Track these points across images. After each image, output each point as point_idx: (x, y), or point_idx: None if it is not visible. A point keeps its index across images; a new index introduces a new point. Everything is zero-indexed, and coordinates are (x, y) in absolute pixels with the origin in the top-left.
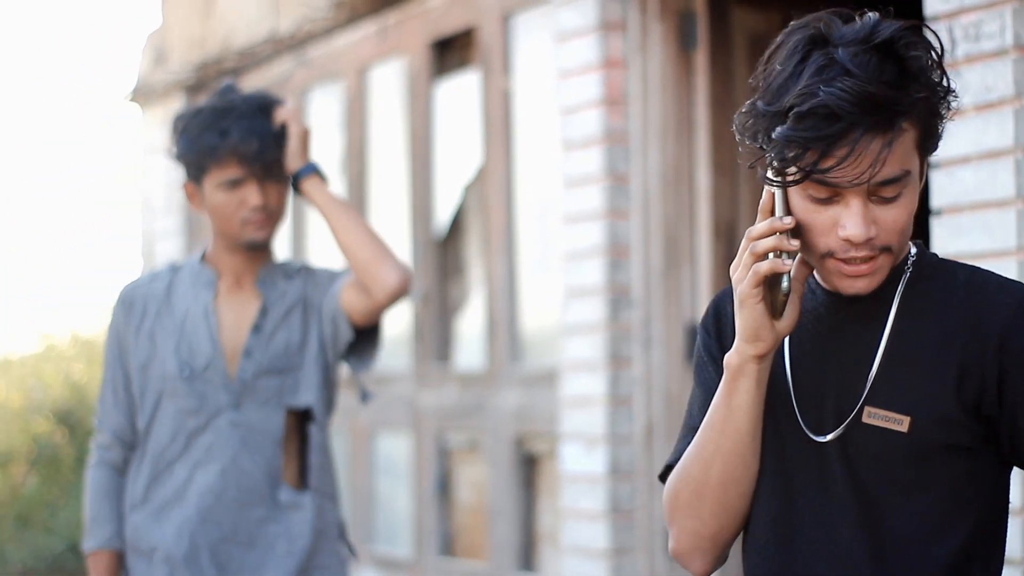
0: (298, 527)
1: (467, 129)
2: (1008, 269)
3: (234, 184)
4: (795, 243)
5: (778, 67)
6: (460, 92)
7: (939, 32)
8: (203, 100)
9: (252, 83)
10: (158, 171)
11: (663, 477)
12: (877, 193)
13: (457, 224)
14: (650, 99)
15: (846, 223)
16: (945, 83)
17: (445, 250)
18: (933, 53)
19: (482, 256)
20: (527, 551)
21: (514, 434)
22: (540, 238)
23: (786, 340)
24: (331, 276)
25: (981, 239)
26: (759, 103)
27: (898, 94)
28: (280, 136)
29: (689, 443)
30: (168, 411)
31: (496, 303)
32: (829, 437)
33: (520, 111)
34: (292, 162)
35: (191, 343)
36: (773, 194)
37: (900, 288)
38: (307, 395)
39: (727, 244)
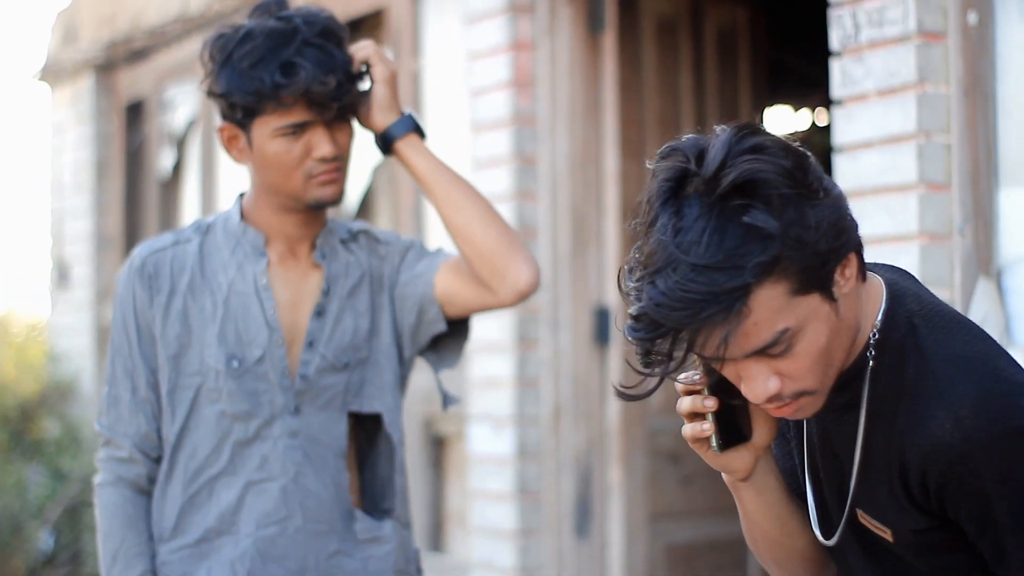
0: (377, 564)
1: None
2: (910, 252)
3: (297, 129)
4: (710, 403)
5: (639, 219)
6: None
7: (843, 18)
8: (246, 20)
9: (162, 63)
10: (67, 150)
11: None
12: (766, 354)
13: (366, 204)
14: (558, 81)
15: (745, 386)
16: (813, 221)
17: None
18: (798, 183)
19: None
20: (435, 531)
21: (422, 415)
22: None
23: (804, 435)
24: (406, 248)
25: (884, 223)
26: (625, 271)
27: (731, 278)
28: (356, 73)
29: None
30: (207, 415)
31: None
32: (831, 542)
33: (429, 92)
34: (380, 116)
35: (239, 327)
36: None
37: (866, 384)
38: (377, 398)
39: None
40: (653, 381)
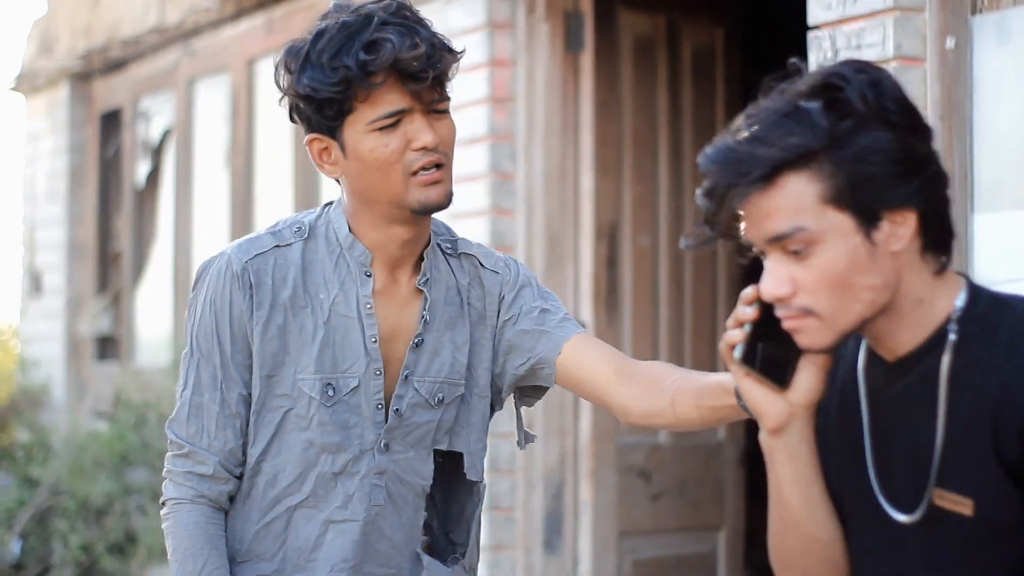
0: None
1: None
2: None
3: (394, 119)
4: (749, 311)
5: None
6: None
7: (821, 40)
8: (314, 26)
9: (138, 73)
10: (41, 158)
11: None
12: (784, 248)
13: None
14: (536, 99)
15: (763, 279)
16: (869, 141)
17: None
18: (862, 105)
19: None
20: None
21: None
22: None
23: (864, 413)
24: (520, 284)
25: None
26: None
27: (767, 150)
28: (442, 47)
29: None
30: (292, 442)
31: None
32: (909, 518)
33: None
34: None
35: (337, 353)
36: None
37: (947, 358)
38: (463, 438)
39: (609, 244)
40: (705, 236)
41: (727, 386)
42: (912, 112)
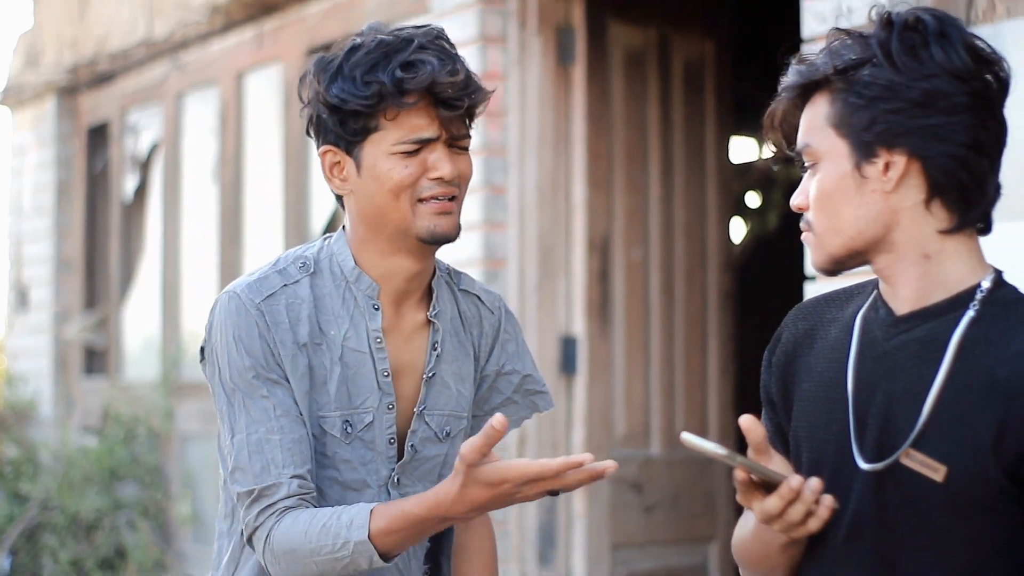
0: None
1: None
2: None
3: (418, 146)
4: (739, 474)
5: None
6: None
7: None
8: (344, 43)
9: (126, 87)
10: (28, 172)
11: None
12: (805, 162)
13: (331, 231)
14: (528, 112)
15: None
16: (896, 81)
17: None
18: (887, 46)
19: None
20: None
21: None
22: None
23: (851, 363)
24: (505, 338)
25: None
26: None
27: (810, 67)
28: (478, 81)
29: None
30: (319, 480)
31: None
32: (871, 467)
33: None
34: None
35: (351, 390)
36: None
37: (960, 328)
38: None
39: (601, 257)
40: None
41: None
42: (988, 84)
